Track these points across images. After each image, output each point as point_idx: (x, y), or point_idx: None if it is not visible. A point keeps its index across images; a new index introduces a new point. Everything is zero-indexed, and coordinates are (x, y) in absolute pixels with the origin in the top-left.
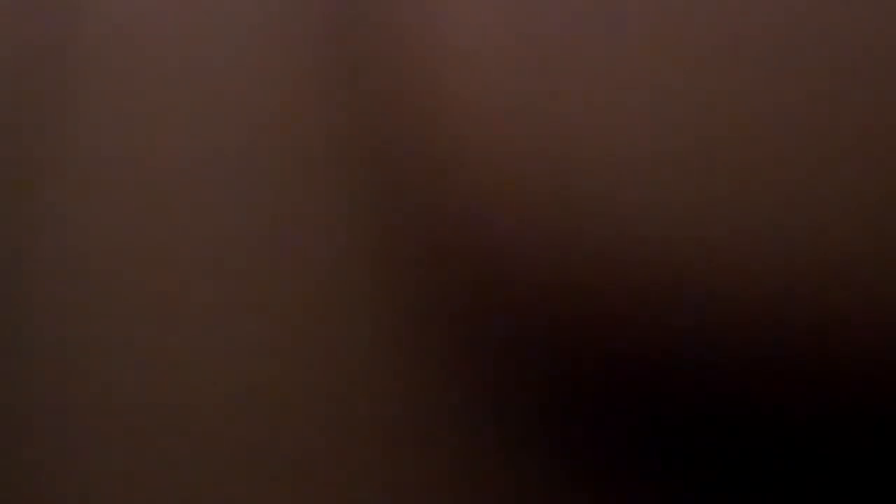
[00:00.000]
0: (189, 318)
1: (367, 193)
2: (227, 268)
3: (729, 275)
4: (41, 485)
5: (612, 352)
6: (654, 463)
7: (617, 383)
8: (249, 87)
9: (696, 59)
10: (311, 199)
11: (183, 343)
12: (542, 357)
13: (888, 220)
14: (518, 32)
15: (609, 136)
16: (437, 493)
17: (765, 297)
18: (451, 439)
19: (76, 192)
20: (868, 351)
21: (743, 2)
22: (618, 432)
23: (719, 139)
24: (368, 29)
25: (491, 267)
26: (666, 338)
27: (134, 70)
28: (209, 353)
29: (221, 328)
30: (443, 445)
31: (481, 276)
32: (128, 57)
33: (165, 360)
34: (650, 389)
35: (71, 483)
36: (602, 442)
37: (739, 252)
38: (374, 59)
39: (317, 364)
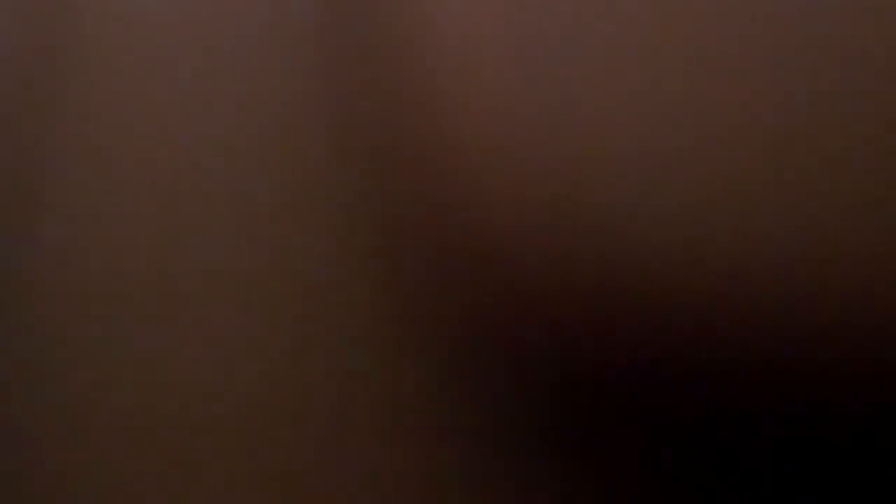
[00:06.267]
0: (188, 318)
1: (367, 193)
2: (227, 267)
3: (729, 275)
4: (41, 484)
5: (613, 352)
6: (655, 464)
7: (617, 384)
8: (249, 86)
9: (696, 60)
10: (310, 199)
11: (182, 342)
12: (543, 357)
13: (888, 219)
14: (518, 33)
15: (609, 137)
16: (437, 494)
17: (766, 298)
18: (451, 439)
19: (76, 192)
20: (868, 351)
21: (743, 1)
22: (618, 433)
23: (720, 140)
24: (368, 29)
25: (491, 267)
26: (666, 338)
27: (134, 69)
28: (208, 353)
29: (220, 328)
30: (443, 446)
31: (481, 277)
32: (127, 56)
33: (165, 360)
34: (650, 390)
35: (71, 483)
36: (602, 443)
37: (740, 252)
38: (374, 59)
39: (316, 364)
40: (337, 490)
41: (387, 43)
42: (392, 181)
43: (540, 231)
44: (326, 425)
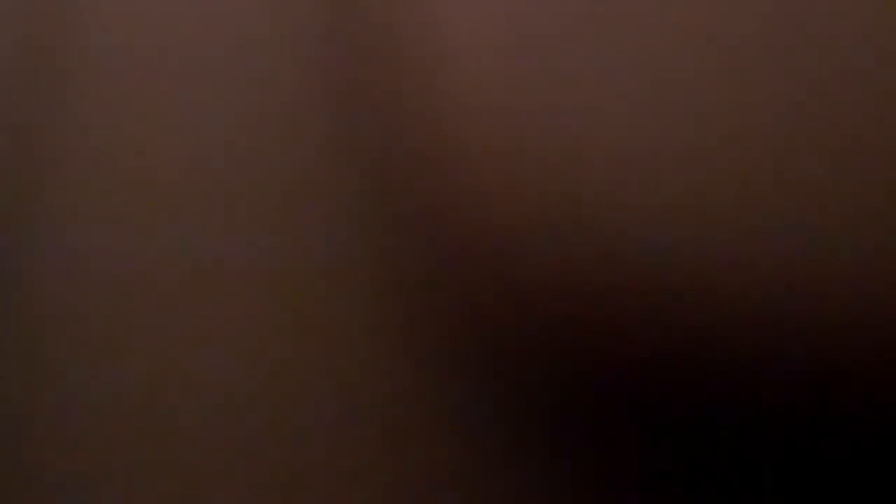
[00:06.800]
0: (188, 318)
1: (367, 194)
2: (227, 268)
3: (730, 275)
4: (42, 485)
5: (613, 351)
6: (655, 463)
7: (618, 383)
8: (249, 86)
9: (696, 58)
10: (309, 199)
11: (182, 342)
12: (543, 357)
13: (889, 219)
14: (518, 32)
15: (609, 136)
16: (437, 494)
17: (766, 297)
18: (452, 440)
19: (76, 192)
20: (869, 351)
21: (744, 1)
22: (619, 432)
23: (720, 139)
24: (368, 29)
25: (490, 267)
26: (667, 338)
27: (134, 70)
28: (209, 354)
29: (221, 329)
30: (443, 446)
31: (481, 276)
32: (127, 56)
33: (165, 360)
34: (651, 389)
35: (71, 483)
36: (603, 442)
37: (741, 252)
38: (373, 59)
39: (316, 365)
40: (337, 490)
41: (386, 43)
42: (392, 181)
43: (539, 231)
44: (326, 425)
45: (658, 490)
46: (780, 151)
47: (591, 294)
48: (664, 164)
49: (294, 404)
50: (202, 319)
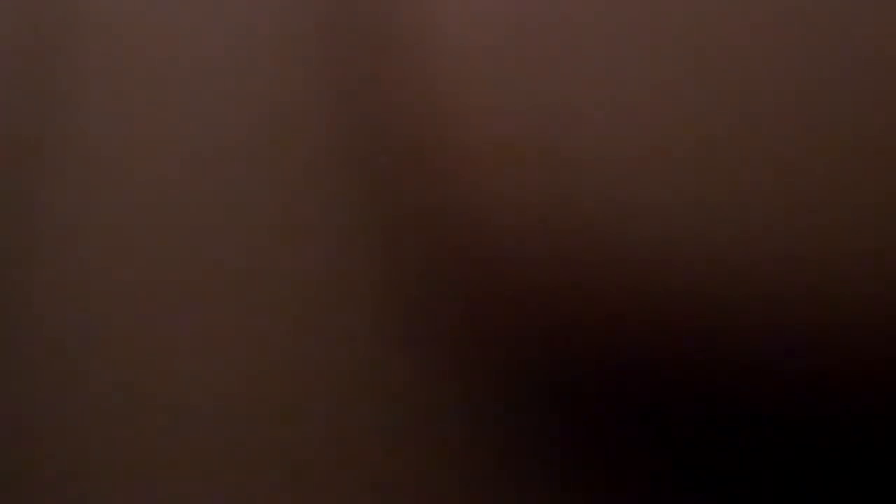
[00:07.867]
0: (188, 317)
1: (367, 193)
2: (227, 268)
3: (730, 275)
4: (42, 485)
5: (613, 352)
6: (655, 463)
7: (617, 383)
8: (249, 87)
9: (696, 58)
10: (310, 199)
11: (182, 341)
12: (542, 357)
13: (888, 219)
14: (518, 32)
15: (610, 136)
16: (437, 494)
17: (766, 297)
18: (451, 439)
19: (76, 192)
20: (868, 351)
21: (742, 2)
22: (618, 432)
23: (721, 138)
24: (368, 29)
25: (490, 266)
26: (667, 338)
27: (134, 70)
28: (207, 353)
29: (221, 328)
30: (442, 445)
31: (481, 276)
32: (128, 57)
33: (165, 360)
34: (651, 389)
35: (71, 483)
36: (602, 442)
37: (740, 252)
38: (373, 60)
39: (316, 364)
40: (337, 490)
41: (386, 43)
42: (392, 181)
43: (539, 231)
44: (326, 425)
45: (658, 490)
46: (780, 151)
47: (590, 293)
48: (663, 163)
49: (293, 404)
50: (202, 318)
